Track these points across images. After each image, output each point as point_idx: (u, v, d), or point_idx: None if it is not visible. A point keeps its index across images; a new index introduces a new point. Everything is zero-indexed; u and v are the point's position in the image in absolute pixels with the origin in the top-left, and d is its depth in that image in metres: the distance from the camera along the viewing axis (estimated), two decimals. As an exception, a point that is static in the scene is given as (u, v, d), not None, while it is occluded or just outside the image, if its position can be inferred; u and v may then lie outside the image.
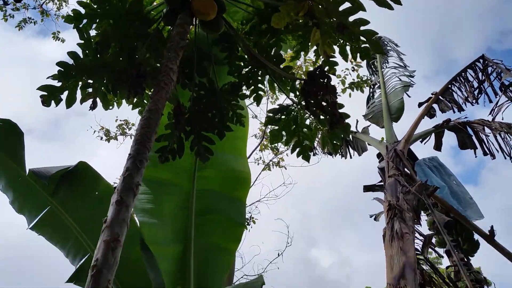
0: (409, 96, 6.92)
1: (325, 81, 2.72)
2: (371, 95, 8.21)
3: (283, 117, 3.66)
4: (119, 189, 1.86)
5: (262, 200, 13.47)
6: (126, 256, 3.44)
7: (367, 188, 5.72)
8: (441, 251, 4.72)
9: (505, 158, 6.25)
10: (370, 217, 5.63)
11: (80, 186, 3.86)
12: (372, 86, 8.51)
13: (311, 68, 11.13)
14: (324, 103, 2.78)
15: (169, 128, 3.34)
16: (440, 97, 6.50)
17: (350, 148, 8.15)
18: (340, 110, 3.36)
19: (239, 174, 3.93)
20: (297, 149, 3.68)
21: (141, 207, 3.60)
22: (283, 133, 3.71)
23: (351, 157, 8.14)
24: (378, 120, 6.99)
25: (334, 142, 3.65)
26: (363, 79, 11.25)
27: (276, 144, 13.74)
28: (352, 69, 11.88)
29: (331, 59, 3.20)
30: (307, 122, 3.68)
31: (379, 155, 6.20)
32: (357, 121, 7.25)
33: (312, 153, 8.38)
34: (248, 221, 12.56)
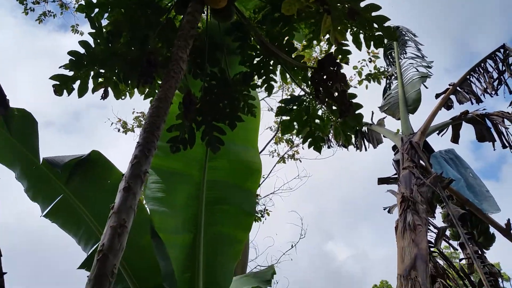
0: (427, 88, 6.80)
1: (335, 69, 2.69)
2: (387, 86, 8.09)
3: (294, 107, 3.64)
4: (126, 176, 1.89)
5: (276, 192, 13.50)
6: (137, 243, 3.52)
7: (382, 181, 5.67)
8: (455, 244, 4.65)
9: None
10: (384, 209, 5.58)
11: (93, 175, 3.92)
12: (389, 77, 8.38)
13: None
14: (334, 92, 2.74)
15: (180, 118, 3.36)
16: (458, 88, 6.36)
17: (365, 141, 8.07)
18: (354, 100, 3.34)
19: (250, 165, 3.93)
20: (309, 140, 3.67)
21: (152, 196, 3.65)
22: (295, 123, 3.70)
23: (366, 149, 8.06)
24: (394, 112, 6.89)
25: (347, 133, 3.62)
26: (380, 70, 11.08)
27: (291, 137, 13.69)
28: (369, 60, 11.71)
29: (344, 47, 3.16)
30: (319, 112, 3.65)
31: (394, 148, 6.12)
32: (373, 113, 7.17)
33: (324, 144, 8.35)
34: (262, 213, 12.62)
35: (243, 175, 3.90)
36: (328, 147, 9.75)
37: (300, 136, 3.74)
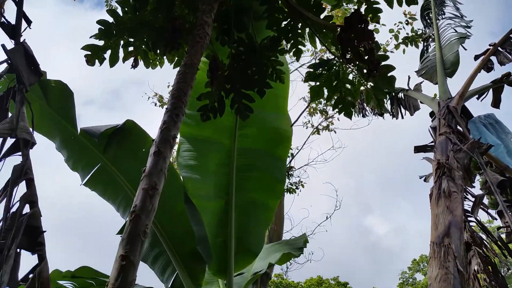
0: (465, 49, 6.44)
1: (363, 26, 2.60)
2: (425, 49, 7.73)
3: (324, 72, 3.58)
4: (156, 141, 1.95)
5: (311, 164, 13.43)
6: (171, 208, 3.66)
7: (418, 149, 5.51)
8: (493, 213, 4.52)
9: None
10: (420, 178, 5.46)
11: (128, 144, 4.05)
12: (426, 40, 8.00)
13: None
14: (361, 51, 2.67)
15: (208, 86, 3.39)
16: (499, 48, 5.97)
17: (402, 107, 7.84)
18: (386, 62, 3.24)
19: (280, 132, 3.94)
20: (340, 106, 3.61)
21: (185, 164, 3.74)
22: (324, 89, 3.64)
23: (402, 117, 7.83)
24: (431, 76, 6.60)
25: (379, 97, 3.54)
26: (418, 33, 10.58)
27: (325, 107, 13.48)
28: (406, 22, 11.21)
29: (374, 5, 3.05)
30: (350, 77, 3.58)
31: (432, 114, 5.91)
32: (409, 78, 6.91)
33: (355, 109, 8.18)
34: (297, 185, 12.68)
35: (273, 142, 3.91)
36: (363, 116, 9.56)
37: (330, 102, 3.69)
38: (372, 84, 3.51)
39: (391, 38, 11.61)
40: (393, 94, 7.42)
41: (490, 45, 6.08)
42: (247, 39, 3.58)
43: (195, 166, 3.72)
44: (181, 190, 3.70)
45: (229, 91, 3.51)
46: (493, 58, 6.06)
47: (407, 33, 10.92)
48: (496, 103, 6.02)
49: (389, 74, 3.22)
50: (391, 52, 11.72)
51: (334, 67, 3.53)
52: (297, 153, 13.19)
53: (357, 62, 3.23)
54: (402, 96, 7.43)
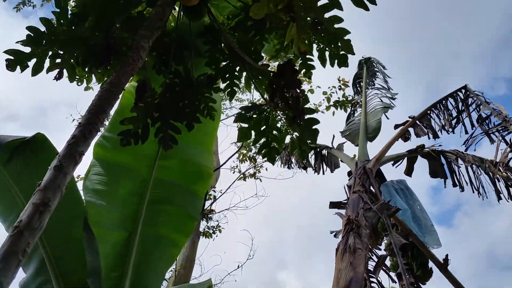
0: (388, 118, 7.05)
1: (293, 75, 2.76)
2: (352, 113, 8.33)
3: (254, 116, 3.67)
4: (61, 155, 1.81)
5: (232, 209, 13.36)
6: (67, 234, 3.36)
7: (333, 205, 5.73)
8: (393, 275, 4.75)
9: (473, 192, 6.40)
10: (331, 233, 5.65)
11: (35, 159, 3.73)
12: (354, 105, 8.63)
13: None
14: (289, 97, 2.81)
15: (135, 111, 3.30)
16: (417, 121, 6.61)
17: (324, 164, 8.22)
18: (311, 116, 3.41)
19: (202, 168, 3.89)
20: (264, 150, 3.69)
21: (92, 187, 3.51)
22: (252, 132, 3.72)
23: (323, 173, 8.21)
24: (354, 138, 7.08)
25: (302, 148, 3.67)
26: (348, 99, 11.42)
27: (254, 155, 13.72)
28: (339, 87, 12.06)
29: (309, 62, 3.25)
30: (278, 125, 3.71)
31: (349, 173, 6.25)
32: (334, 137, 7.33)
33: (280, 160, 8.37)
34: (214, 229, 12.50)
35: (193, 177, 3.84)
36: (289, 167, 9.86)
37: (256, 146, 3.77)
38: (297, 135, 3.65)
39: (323, 100, 12.40)
40: (318, 150, 7.79)
41: (409, 117, 6.70)
42: (184, 73, 3.59)
43: (102, 192, 3.49)
44: (82, 215, 3.42)
45: (156, 119, 3.44)
46: (411, 130, 6.66)
47: (339, 97, 11.77)
48: (409, 172, 6.54)
49: (313, 127, 3.38)
50: (322, 112, 12.48)
51: (265, 113, 3.63)
52: (220, 196, 13.11)
53: (286, 111, 3.37)
54: (326, 153, 7.82)
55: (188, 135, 3.59)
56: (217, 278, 12.22)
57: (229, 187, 13.12)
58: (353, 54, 2.78)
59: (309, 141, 3.47)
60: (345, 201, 5.00)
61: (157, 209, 3.59)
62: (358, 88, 9.19)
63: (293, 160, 9.56)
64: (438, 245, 5.49)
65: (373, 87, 8.39)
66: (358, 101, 8.42)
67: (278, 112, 3.60)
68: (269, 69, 3.60)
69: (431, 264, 5.47)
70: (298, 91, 2.79)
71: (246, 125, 3.71)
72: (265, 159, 3.78)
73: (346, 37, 2.77)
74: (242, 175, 13.84)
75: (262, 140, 3.74)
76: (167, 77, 3.57)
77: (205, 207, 11.60)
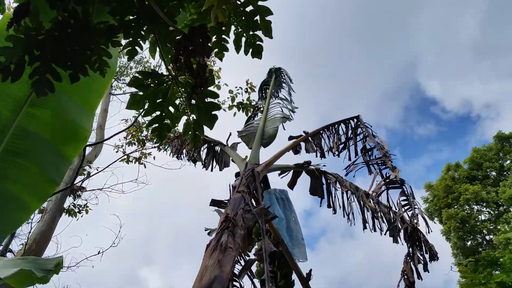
0: (284, 129, 7.21)
1: (204, 41, 2.54)
2: (252, 116, 8.37)
3: (152, 85, 3.34)
4: None
5: (105, 190, 12.39)
6: None
7: (215, 203, 5.59)
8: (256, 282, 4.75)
9: (344, 216, 6.81)
10: (205, 230, 5.49)
11: None
12: (256, 108, 8.71)
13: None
14: (194, 64, 2.58)
15: (12, 42, 2.77)
16: (309, 138, 6.87)
17: (215, 161, 8.09)
18: (216, 104, 3.21)
19: (78, 129, 3.40)
20: (155, 125, 3.38)
21: None
22: (146, 102, 3.39)
23: (212, 169, 8.07)
24: (249, 140, 7.08)
25: (196, 132, 3.45)
26: (251, 103, 11.52)
27: (144, 138, 12.99)
28: (246, 90, 12.11)
29: (223, 42, 3.06)
30: (177, 102, 3.44)
31: (237, 175, 6.19)
32: (230, 135, 7.24)
33: (169, 133, 7.94)
34: (81, 208, 11.49)
35: (65, 136, 3.33)
36: (178, 158, 9.53)
37: (147, 117, 3.44)
38: (194, 118, 3.42)
39: (228, 98, 12.34)
40: (212, 144, 7.64)
41: (304, 132, 6.92)
42: (82, 14, 3.12)
43: None
44: None
45: (35, 58, 2.92)
46: (303, 144, 6.88)
47: (243, 100, 11.82)
48: (292, 184, 6.73)
49: (213, 112, 3.19)
50: (224, 110, 12.41)
51: (165, 84, 3.33)
52: (95, 174, 12.13)
53: (188, 88, 3.12)
54: (219, 150, 7.70)
55: (70, 88, 3.12)
56: (73, 261, 11.18)
57: (108, 166, 12.19)
58: (271, 37, 2.67)
59: (207, 125, 3.27)
60: (227, 200, 4.88)
61: (12, 162, 3.01)
62: (263, 94, 9.32)
63: (184, 151, 9.26)
64: (305, 259, 5.70)
65: (277, 96, 8.56)
66: (261, 106, 8.50)
67: (180, 88, 3.34)
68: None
69: (294, 276, 5.64)
70: (206, 59, 2.57)
71: (141, 93, 3.37)
72: (155, 142, 3.48)
73: (267, 18, 2.65)
74: (125, 156, 12.96)
75: (155, 113, 3.44)
76: (60, 14, 3.06)
77: (74, 182, 10.57)
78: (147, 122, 3.46)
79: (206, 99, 3.17)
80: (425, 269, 5.37)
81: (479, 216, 27.41)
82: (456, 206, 27.71)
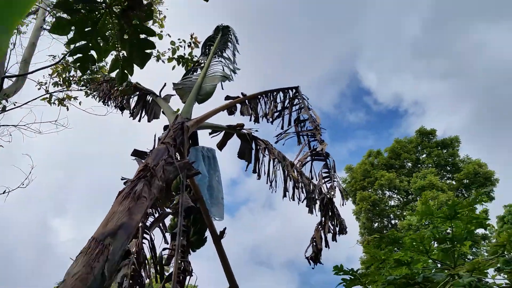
0: (223, 88, 7.06)
1: None
2: (192, 70, 8.08)
3: (83, 10, 3.03)
4: None
5: (20, 127, 11.36)
6: None
7: (137, 153, 5.35)
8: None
9: (267, 182, 6.92)
10: (122, 179, 5.27)
11: None
12: (197, 63, 8.41)
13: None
14: None
15: None
16: (246, 101, 6.79)
17: (144, 111, 7.76)
18: (150, 42, 2.99)
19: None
20: (78, 54, 3.10)
21: None
22: (73, 29, 3.07)
23: (140, 120, 7.74)
24: (184, 94, 6.83)
25: (125, 70, 3.22)
26: (193, 59, 11.10)
27: (70, 79, 12.02)
28: (189, 44, 11.61)
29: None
30: (107, 33, 3.17)
31: (166, 128, 5.97)
32: (165, 85, 6.94)
33: (94, 66, 7.44)
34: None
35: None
36: (104, 103, 9.00)
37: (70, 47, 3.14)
38: (125, 54, 3.18)
39: (169, 49, 11.74)
40: (143, 92, 7.29)
41: (242, 93, 6.81)
42: None
43: None
44: None
45: None
46: (239, 106, 6.80)
47: (184, 53, 11.32)
48: (221, 145, 6.66)
49: (146, 51, 2.98)
50: (163, 62, 11.83)
51: (97, 13, 3.04)
52: (12, 109, 11.09)
53: (121, 21, 2.87)
54: (150, 100, 7.38)
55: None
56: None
57: (27, 102, 11.15)
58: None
59: (137, 64, 3.06)
60: (150, 151, 4.69)
61: None
62: (207, 51, 9.02)
63: (112, 98, 8.74)
64: (221, 217, 5.74)
65: (221, 55, 8.32)
66: (202, 62, 8.22)
67: (113, 19, 3.06)
68: None
69: (208, 234, 5.66)
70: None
71: (68, 18, 3.05)
72: (82, 85, 3.19)
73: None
74: (48, 96, 11.89)
75: (81, 43, 3.14)
76: None
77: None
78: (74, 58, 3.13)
79: (140, 36, 2.95)
80: (334, 238, 5.67)
81: (389, 202, 29.66)
82: (370, 190, 29.61)
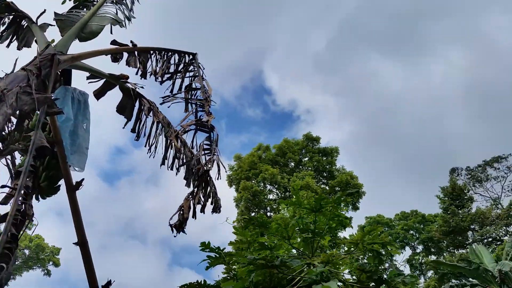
0: (111, 33, 6.48)
1: None
2: (81, 5, 7.24)
3: None
4: None
5: None
6: None
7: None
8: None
9: (145, 145, 6.59)
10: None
11: None
12: (90, 2, 7.59)
13: None
14: None
15: None
16: (136, 52, 6.30)
17: (16, 37, 6.77)
18: None
19: None
20: None
21: None
22: None
23: (8, 45, 6.74)
24: (65, 28, 6.06)
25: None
26: None
27: None
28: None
29: None
30: None
31: (35, 59, 5.25)
32: (44, 11, 6.10)
33: None
34: None
35: None
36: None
37: None
38: None
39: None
40: (16, 15, 6.35)
41: (131, 42, 6.30)
42: None
43: None
44: None
45: None
46: (126, 55, 6.28)
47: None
48: (99, 94, 6.10)
49: None
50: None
51: None
52: None
53: None
54: (24, 26, 6.47)
55: None
56: None
57: None
58: None
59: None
60: (6, 74, 4.03)
61: None
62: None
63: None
64: (82, 168, 5.26)
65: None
66: (94, 1, 7.45)
67: None
68: None
69: (62, 183, 5.14)
70: None
71: None
72: None
73: None
74: None
75: None
76: None
77: None
78: None
79: None
80: (202, 210, 5.61)
81: (269, 195, 31.39)
82: (254, 181, 30.99)
